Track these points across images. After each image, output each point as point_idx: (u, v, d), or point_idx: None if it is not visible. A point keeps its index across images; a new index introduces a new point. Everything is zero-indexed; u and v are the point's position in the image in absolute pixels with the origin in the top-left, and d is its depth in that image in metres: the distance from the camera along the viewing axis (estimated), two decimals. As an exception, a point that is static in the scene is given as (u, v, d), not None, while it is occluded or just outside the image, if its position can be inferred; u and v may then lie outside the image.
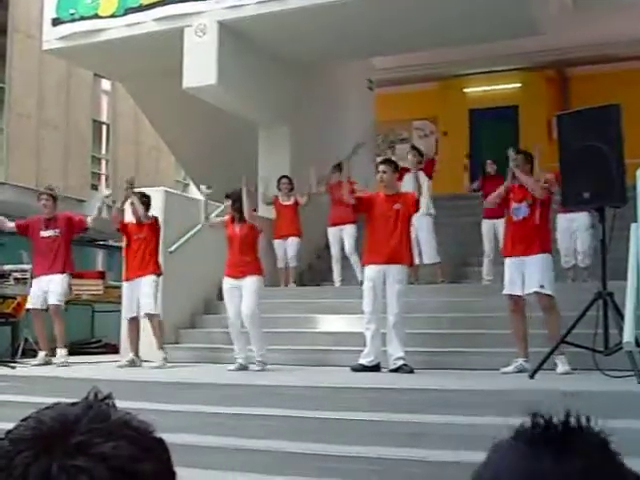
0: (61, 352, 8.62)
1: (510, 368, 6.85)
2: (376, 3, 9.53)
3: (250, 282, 7.86)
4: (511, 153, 7.34)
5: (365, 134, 14.01)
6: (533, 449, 0.79)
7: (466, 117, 16.75)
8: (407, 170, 9.25)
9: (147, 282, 8.47)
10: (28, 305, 8.81)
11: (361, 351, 7.36)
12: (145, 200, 8.67)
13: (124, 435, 0.80)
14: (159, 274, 8.58)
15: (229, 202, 8.30)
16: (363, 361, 7.32)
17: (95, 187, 17.06)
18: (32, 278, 8.90)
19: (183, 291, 9.49)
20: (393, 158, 8.88)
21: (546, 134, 14.30)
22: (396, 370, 7.16)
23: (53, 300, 8.56)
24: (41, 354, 8.65)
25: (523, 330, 6.97)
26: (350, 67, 13.39)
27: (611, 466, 0.79)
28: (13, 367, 8.12)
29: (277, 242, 10.98)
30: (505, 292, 7.05)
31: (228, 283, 8.00)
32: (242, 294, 7.85)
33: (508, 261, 7.11)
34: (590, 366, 6.12)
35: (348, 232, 10.59)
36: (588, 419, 0.82)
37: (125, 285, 8.79)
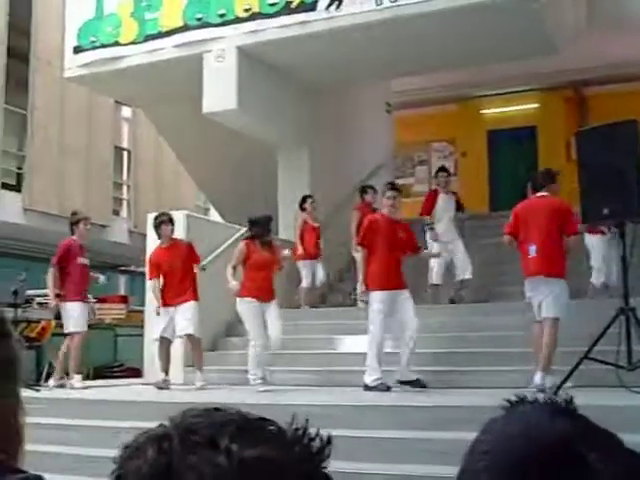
0: (76, 377, 8.72)
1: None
2: (394, 25, 9.61)
3: (274, 307, 8.16)
4: None
5: (384, 156, 14.07)
6: (529, 410, 0.82)
7: (484, 138, 16.78)
8: (436, 192, 9.50)
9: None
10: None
11: (386, 370, 7.39)
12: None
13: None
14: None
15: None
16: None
17: (117, 212, 17.21)
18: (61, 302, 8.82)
19: (207, 314, 9.50)
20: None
21: (565, 154, 14.30)
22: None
23: (76, 327, 8.69)
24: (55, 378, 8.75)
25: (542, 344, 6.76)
26: (368, 90, 13.44)
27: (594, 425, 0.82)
28: (38, 390, 8.18)
29: (305, 262, 10.83)
30: None
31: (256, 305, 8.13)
32: (267, 317, 8.07)
33: None
34: (614, 383, 6.07)
35: None
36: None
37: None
